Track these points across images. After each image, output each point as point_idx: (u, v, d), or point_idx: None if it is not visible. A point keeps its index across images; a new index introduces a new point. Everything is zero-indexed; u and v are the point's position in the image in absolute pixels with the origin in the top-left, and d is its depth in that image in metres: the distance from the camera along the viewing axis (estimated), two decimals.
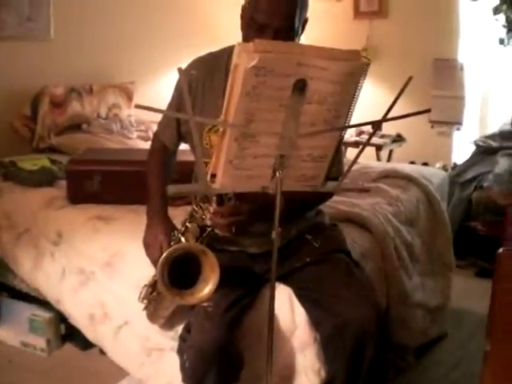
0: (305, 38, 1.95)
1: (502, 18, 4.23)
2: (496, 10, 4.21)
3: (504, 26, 4.27)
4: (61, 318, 2.83)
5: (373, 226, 2.54)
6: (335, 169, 1.64)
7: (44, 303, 2.83)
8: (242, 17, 1.90)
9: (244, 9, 1.90)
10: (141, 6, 4.49)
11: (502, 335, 1.63)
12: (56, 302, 2.70)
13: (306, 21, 1.91)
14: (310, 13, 1.92)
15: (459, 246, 3.34)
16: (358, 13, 5.31)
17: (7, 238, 2.89)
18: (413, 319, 2.67)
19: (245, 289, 1.96)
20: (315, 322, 1.96)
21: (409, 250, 2.75)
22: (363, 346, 1.83)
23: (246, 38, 1.84)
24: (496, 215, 3.91)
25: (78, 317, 2.61)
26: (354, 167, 1.61)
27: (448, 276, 3.09)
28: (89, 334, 2.58)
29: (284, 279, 1.99)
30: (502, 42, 4.33)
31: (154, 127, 2.25)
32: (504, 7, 4.16)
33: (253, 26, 1.82)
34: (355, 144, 4.60)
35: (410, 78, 1.42)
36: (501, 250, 1.96)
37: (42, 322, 2.87)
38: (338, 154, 1.59)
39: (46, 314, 2.88)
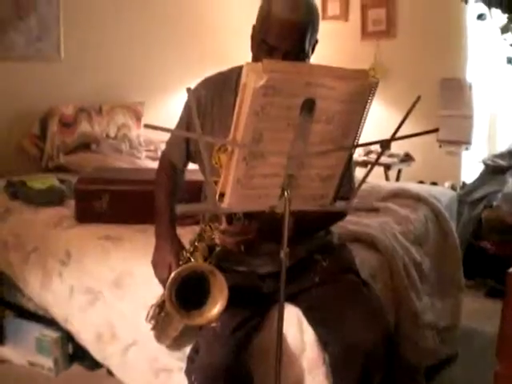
0: (313, 58, 1.96)
1: (509, 37, 4.23)
2: (504, 29, 4.21)
3: None
4: (68, 337, 2.82)
5: (382, 246, 2.53)
6: (345, 188, 1.63)
7: (52, 323, 2.82)
8: (253, 37, 1.91)
9: (255, 30, 1.90)
10: (151, 28, 4.52)
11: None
12: (64, 322, 2.70)
13: (316, 42, 1.92)
14: (318, 33, 1.93)
15: (468, 266, 3.32)
16: (365, 33, 5.34)
17: (16, 256, 2.89)
18: (423, 339, 2.65)
19: (253, 309, 1.95)
20: (324, 343, 1.95)
21: (418, 269, 2.73)
22: (372, 368, 1.81)
23: (256, 59, 1.85)
24: (505, 235, 3.89)
25: (86, 336, 2.60)
26: (363, 186, 1.61)
27: (458, 296, 3.06)
28: (96, 353, 2.57)
29: (293, 299, 1.98)
30: (509, 61, 4.33)
31: (163, 147, 2.25)
32: (511, 26, 4.17)
33: (263, 47, 1.83)
34: (364, 163, 4.59)
35: (418, 98, 1.42)
36: (511, 269, 1.94)
37: (49, 342, 2.86)
38: (347, 173, 1.59)
39: (53, 334, 2.87)
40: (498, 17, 4.25)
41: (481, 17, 4.35)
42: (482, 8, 4.30)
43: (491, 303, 3.58)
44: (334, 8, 5.45)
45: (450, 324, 2.93)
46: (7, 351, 2.99)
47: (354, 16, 5.42)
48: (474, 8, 4.47)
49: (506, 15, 4.18)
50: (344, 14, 5.45)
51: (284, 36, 1.79)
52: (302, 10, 1.81)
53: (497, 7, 4.18)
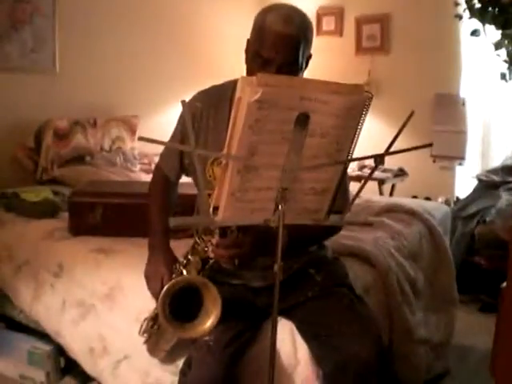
0: (307, 73, 1.97)
1: (503, 53, 4.26)
2: (497, 46, 4.23)
3: (505, 61, 4.29)
4: (60, 350, 2.79)
5: (376, 261, 2.53)
6: (339, 202, 1.63)
7: (43, 335, 2.80)
8: (247, 51, 1.92)
9: (249, 43, 1.92)
10: (146, 41, 4.53)
11: (506, 371, 1.61)
12: (55, 335, 2.68)
13: (309, 57, 1.93)
14: (312, 48, 1.94)
15: (462, 281, 3.32)
16: (360, 48, 5.37)
17: (7, 269, 2.87)
18: (416, 355, 2.64)
19: (246, 323, 1.94)
20: (317, 358, 1.93)
21: (412, 284, 2.73)
22: (366, 383, 1.80)
23: (250, 72, 1.86)
24: (499, 250, 3.89)
25: (78, 350, 2.57)
26: (357, 201, 1.61)
27: (451, 311, 3.06)
28: (88, 367, 2.55)
29: (286, 313, 1.97)
30: (503, 76, 4.35)
31: (157, 160, 2.25)
32: (505, 42, 4.19)
33: (257, 60, 1.84)
34: (357, 178, 4.60)
35: (411, 113, 1.43)
36: (504, 284, 1.94)
37: (41, 355, 2.84)
38: (341, 187, 1.59)
39: (45, 347, 2.85)
40: (492, 33, 4.28)
41: (475, 33, 4.37)
42: (476, 24, 4.32)
43: (485, 318, 3.58)
44: (328, 23, 5.49)
45: (443, 339, 2.92)
46: None
47: (348, 31, 5.45)
48: (468, 24, 4.49)
49: (500, 31, 4.20)
50: (339, 30, 5.49)
51: (278, 49, 1.81)
52: (295, 23, 1.83)
53: (490, 23, 4.20)
